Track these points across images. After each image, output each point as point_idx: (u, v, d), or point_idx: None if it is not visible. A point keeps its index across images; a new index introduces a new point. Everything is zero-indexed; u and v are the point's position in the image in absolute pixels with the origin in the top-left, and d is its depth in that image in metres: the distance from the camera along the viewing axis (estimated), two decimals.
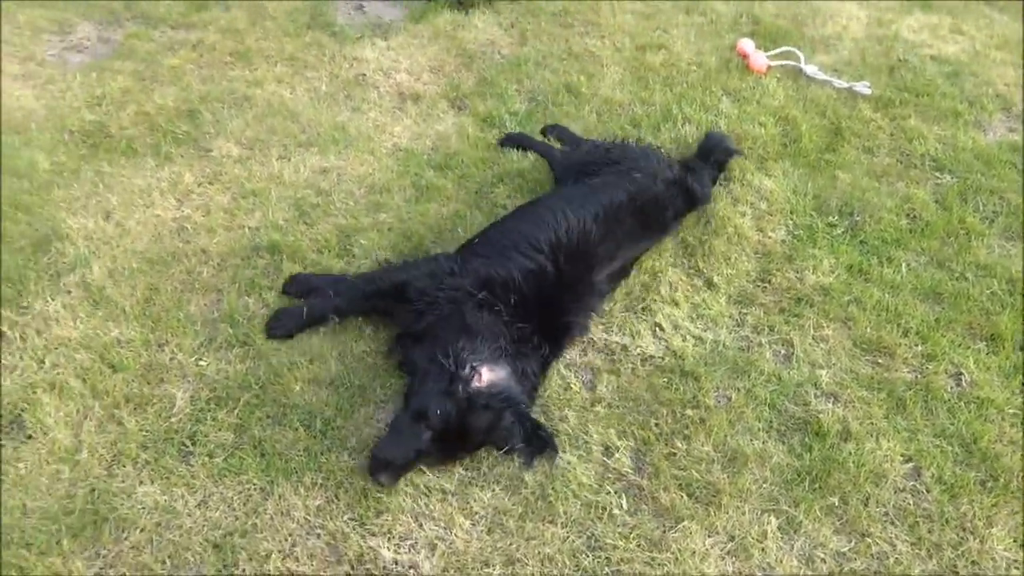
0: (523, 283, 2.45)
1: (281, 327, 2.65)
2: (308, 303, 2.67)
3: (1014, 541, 2.15)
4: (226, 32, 4.12)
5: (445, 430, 2.18)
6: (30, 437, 2.37)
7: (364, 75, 3.83)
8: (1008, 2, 4.49)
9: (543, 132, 3.44)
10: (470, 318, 2.35)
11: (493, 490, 2.25)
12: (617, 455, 2.32)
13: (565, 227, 2.56)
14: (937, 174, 3.30)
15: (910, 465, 2.31)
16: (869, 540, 2.14)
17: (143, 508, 2.21)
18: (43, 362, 2.56)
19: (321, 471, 2.29)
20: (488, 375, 2.28)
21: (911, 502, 2.23)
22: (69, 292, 2.78)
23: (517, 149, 3.36)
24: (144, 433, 2.38)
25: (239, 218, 3.07)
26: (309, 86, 3.75)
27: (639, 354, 2.60)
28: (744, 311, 2.73)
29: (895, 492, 2.25)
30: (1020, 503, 2.22)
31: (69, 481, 2.27)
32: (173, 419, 2.42)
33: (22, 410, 2.43)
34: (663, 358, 2.59)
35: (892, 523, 2.19)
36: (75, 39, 4.12)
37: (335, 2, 4.37)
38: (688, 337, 2.64)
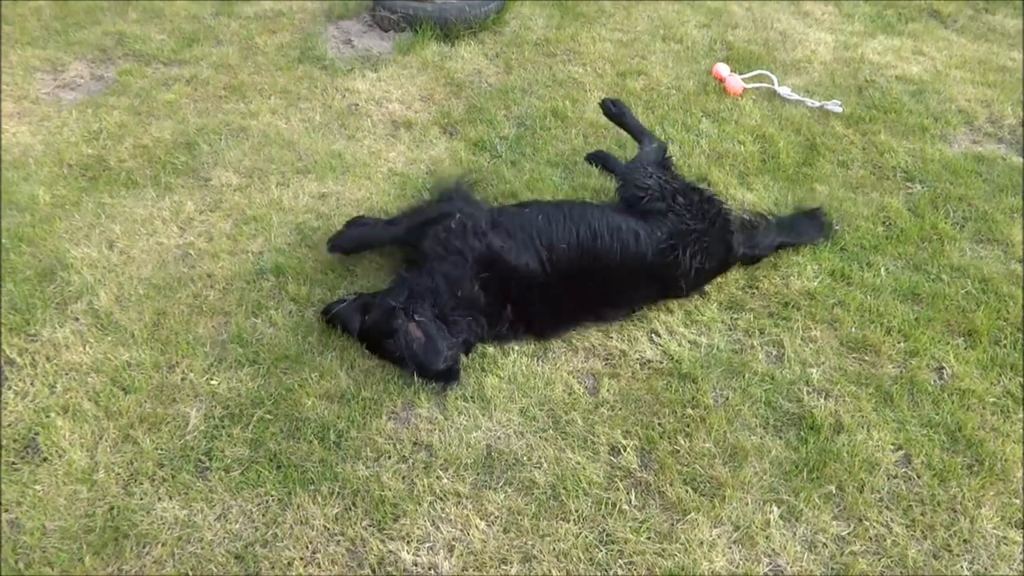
0: (519, 278, 2.68)
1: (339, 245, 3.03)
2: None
3: (1001, 519, 2.26)
4: (219, 67, 4.24)
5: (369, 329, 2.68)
6: (45, 459, 2.41)
7: (357, 105, 3.95)
8: (965, 24, 4.74)
9: (587, 159, 3.50)
10: (464, 288, 2.66)
11: (506, 491, 2.33)
12: (624, 454, 2.41)
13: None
14: (908, 184, 3.48)
15: (900, 453, 2.43)
16: (867, 524, 2.24)
17: (163, 523, 2.26)
18: (54, 387, 2.61)
19: (338, 481, 2.35)
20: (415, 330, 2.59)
21: (903, 487, 2.34)
22: (77, 319, 2.84)
23: (598, 167, 3.47)
24: (160, 451, 2.44)
25: (242, 243, 3.15)
26: (303, 117, 3.86)
27: (638, 359, 2.71)
28: (735, 316, 2.86)
29: (888, 479, 2.36)
30: (1005, 484, 2.34)
31: (87, 500, 2.31)
32: (188, 437, 2.48)
33: (36, 433, 2.47)
34: (661, 362, 2.69)
35: (887, 507, 2.29)
36: (68, 77, 4.21)
37: (324, 37, 4.51)
38: (684, 342, 2.76)
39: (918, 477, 2.37)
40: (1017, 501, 2.30)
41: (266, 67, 4.24)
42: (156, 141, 3.68)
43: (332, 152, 3.62)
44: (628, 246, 2.72)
